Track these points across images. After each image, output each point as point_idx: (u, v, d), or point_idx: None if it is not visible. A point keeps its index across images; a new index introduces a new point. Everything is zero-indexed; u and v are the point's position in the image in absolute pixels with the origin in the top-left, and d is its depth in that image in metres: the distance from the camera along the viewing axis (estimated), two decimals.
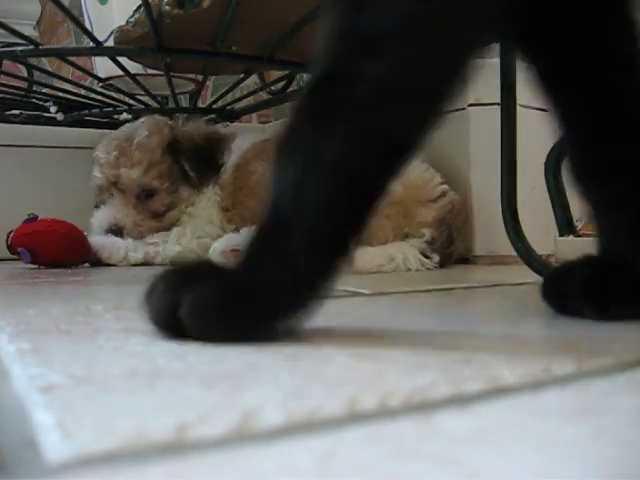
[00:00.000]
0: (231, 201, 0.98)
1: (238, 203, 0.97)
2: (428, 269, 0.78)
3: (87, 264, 0.94)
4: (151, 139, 0.97)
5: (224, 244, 0.80)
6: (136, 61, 0.84)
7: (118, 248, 0.94)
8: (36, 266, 0.90)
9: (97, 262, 0.95)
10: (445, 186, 0.84)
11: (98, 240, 0.95)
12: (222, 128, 1.09)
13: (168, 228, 0.99)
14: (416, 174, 0.83)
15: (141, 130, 0.98)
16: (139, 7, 0.66)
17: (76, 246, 0.92)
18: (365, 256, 0.76)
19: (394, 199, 0.81)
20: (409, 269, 0.77)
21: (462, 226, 0.85)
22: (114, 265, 0.95)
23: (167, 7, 0.63)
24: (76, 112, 1.10)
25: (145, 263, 0.96)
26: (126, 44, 0.72)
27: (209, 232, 0.97)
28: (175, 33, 0.70)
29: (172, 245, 0.96)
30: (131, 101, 1.01)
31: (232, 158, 1.00)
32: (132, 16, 0.69)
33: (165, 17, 0.64)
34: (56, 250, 0.89)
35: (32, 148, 1.22)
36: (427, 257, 0.79)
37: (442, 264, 0.81)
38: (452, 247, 0.83)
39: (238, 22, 0.68)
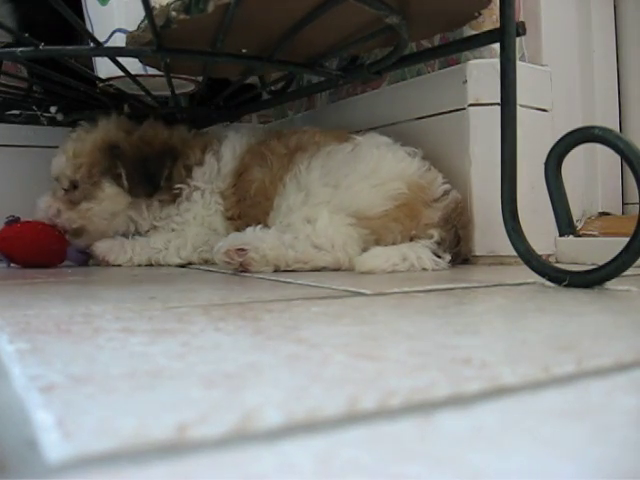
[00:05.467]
0: (238, 211, 0.97)
1: (244, 214, 0.96)
2: (443, 269, 0.78)
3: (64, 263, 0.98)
4: (87, 133, 0.99)
5: (229, 243, 0.79)
6: (141, 61, 0.84)
7: (124, 250, 0.96)
8: (15, 266, 0.95)
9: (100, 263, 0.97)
10: (447, 185, 0.84)
11: (104, 244, 0.97)
12: (198, 132, 1.07)
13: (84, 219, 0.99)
14: (419, 174, 0.83)
15: (87, 127, 1.01)
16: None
17: (47, 248, 0.96)
18: (380, 256, 0.75)
19: (400, 201, 0.80)
20: (424, 269, 0.76)
21: (467, 225, 0.85)
22: (114, 265, 0.96)
23: (174, 13, 0.64)
24: (76, 112, 1.11)
25: (148, 264, 0.98)
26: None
27: (212, 242, 0.95)
28: (181, 38, 0.70)
29: (172, 257, 0.97)
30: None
31: (227, 163, 0.99)
32: (142, 21, 0.69)
33: (172, 22, 0.64)
34: (26, 254, 0.94)
35: (32, 148, 1.22)
36: (439, 257, 0.78)
37: (452, 263, 0.80)
38: (459, 246, 0.83)
39: (241, 25, 0.68)
